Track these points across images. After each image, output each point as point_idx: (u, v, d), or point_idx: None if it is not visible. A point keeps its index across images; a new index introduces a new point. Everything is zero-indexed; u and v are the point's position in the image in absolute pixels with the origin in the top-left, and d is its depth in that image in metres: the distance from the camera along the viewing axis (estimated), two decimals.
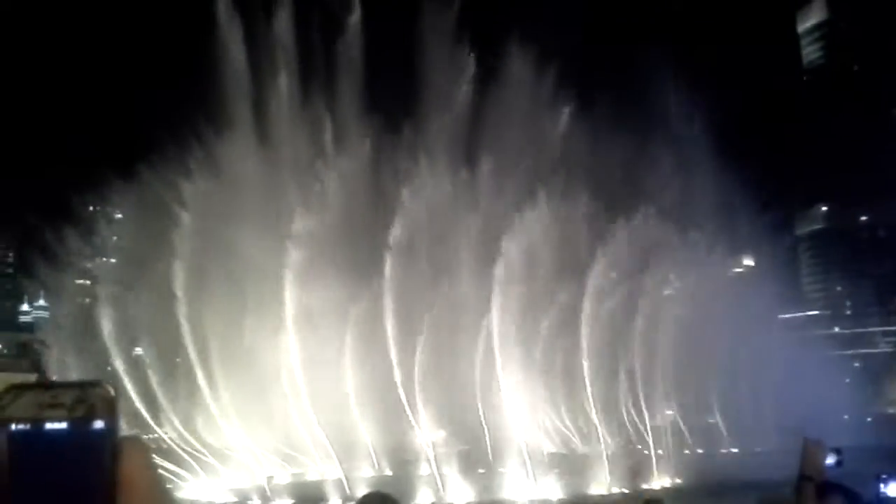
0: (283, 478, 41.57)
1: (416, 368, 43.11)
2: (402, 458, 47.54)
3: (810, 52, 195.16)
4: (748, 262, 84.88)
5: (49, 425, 1.03)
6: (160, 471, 1.06)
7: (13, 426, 1.04)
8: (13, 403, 1.05)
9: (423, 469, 44.33)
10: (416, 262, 47.11)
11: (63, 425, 1.03)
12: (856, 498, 3.84)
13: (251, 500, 38.46)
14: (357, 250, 47.54)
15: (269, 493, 38.63)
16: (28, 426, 1.03)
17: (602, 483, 39.46)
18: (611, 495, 35.57)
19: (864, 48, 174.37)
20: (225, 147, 49.81)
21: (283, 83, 51.27)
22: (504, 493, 37.09)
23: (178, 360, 55.27)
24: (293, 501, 36.92)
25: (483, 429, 45.49)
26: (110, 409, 1.04)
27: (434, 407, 43.63)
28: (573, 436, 50.13)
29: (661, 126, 52.60)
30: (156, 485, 1.03)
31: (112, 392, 1.06)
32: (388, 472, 45.72)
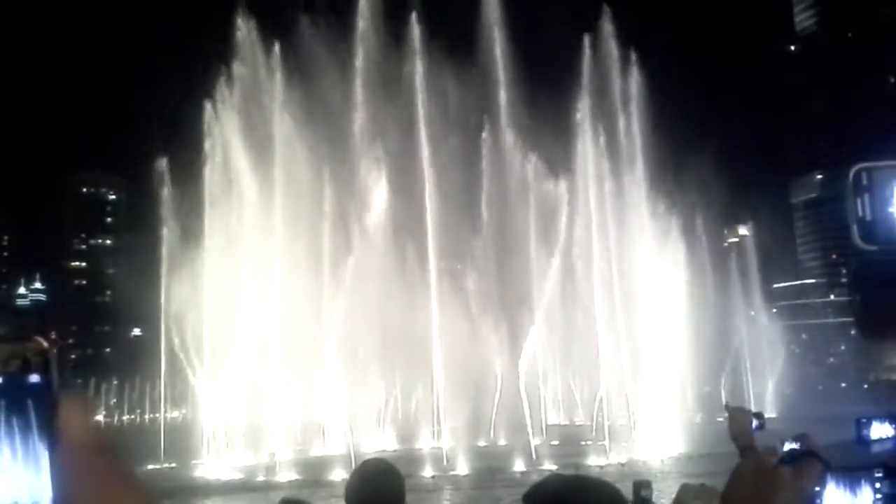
0: (287, 454, 41.78)
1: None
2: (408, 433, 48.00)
3: (803, 20, 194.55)
4: (743, 231, 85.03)
5: None
6: (99, 423, 1.07)
7: None
8: None
9: (427, 443, 44.68)
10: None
11: None
12: (827, 462, 3.86)
13: (257, 477, 38.64)
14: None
15: (276, 470, 38.83)
16: None
17: (601, 454, 39.62)
18: (608, 466, 35.64)
19: (857, 15, 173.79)
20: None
21: None
22: (504, 465, 37.22)
23: (177, 340, 55.50)
24: (298, 478, 37.07)
25: (487, 400, 45.92)
26: (45, 363, 1.02)
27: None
28: (578, 406, 50.47)
29: (652, 95, 52.09)
30: (94, 436, 1.02)
31: (45, 346, 1.04)
32: (395, 447, 46.06)
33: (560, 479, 2.61)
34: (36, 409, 0.99)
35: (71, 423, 1.00)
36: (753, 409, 5.49)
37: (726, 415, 5.28)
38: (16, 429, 0.99)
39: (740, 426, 5.13)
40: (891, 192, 1.93)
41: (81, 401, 1.04)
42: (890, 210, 1.92)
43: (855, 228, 1.92)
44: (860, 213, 1.93)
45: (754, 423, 5.19)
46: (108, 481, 0.98)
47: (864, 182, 1.95)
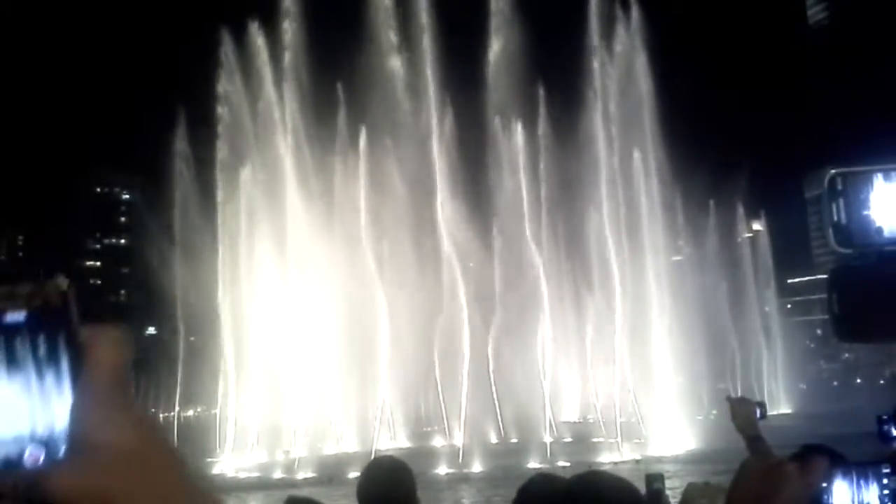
0: (303, 452, 41.97)
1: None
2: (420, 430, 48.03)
3: (816, 12, 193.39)
4: (757, 226, 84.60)
5: (8, 317, 1.03)
6: (125, 360, 1.03)
7: None
8: None
9: (440, 441, 44.75)
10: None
11: (21, 316, 1.04)
12: (839, 457, 3.90)
13: (273, 475, 38.82)
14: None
15: (293, 468, 39.00)
16: None
17: (614, 451, 39.56)
18: (622, 463, 35.61)
19: (869, 8, 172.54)
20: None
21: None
22: (517, 463, 37.21)
23: (192, 338, 55.79)
24: (314, 475, 37.19)
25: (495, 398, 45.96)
26: (64, 300, 1.05)
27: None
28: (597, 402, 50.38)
29: (663, 89, 51.82)
30: (118, 372, 1.01)
31: (66, 285, 1.06)
32: (407, 444, 46.14)
33: (553, 479, 2.65)
34: (53, 345, 1.02)
35: (94, 359, 1.01)
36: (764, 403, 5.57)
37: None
38: (32, 366, 1.02)
39: (744, 416, 5.21)
40: (865, 195, 2.00)
41: (106, 338, 1.03)
42: (864, 213, 1.99)
43: (830, 232, 2.00)
44: (836, 217, 2.00)
45: (757, 412, 5.26)
46: (127, 416, 0.97)
47: (839, 186, 2.03)
